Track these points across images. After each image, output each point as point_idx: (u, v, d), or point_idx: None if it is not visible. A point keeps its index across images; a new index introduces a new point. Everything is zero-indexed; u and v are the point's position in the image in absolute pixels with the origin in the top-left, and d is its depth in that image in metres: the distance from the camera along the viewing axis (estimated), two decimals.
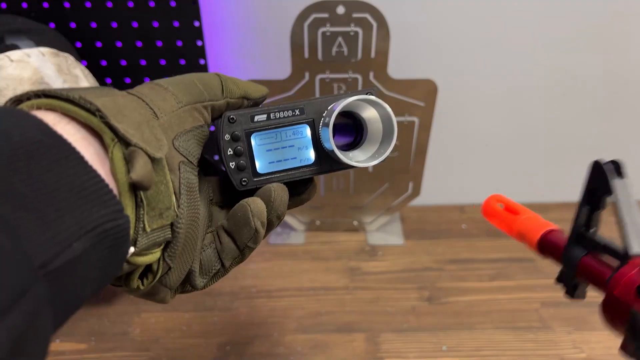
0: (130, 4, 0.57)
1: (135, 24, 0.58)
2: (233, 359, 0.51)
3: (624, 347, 0.27)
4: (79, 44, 0.59)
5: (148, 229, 0.24)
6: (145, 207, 0.24)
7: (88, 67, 0.58)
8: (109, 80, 0.62)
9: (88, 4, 0.57)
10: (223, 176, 0.32)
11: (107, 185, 0.21)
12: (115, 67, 0.61)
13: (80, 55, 0.58)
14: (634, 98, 0.68)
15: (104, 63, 0.61)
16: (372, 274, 0.63)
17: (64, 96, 0.23)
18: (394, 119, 0.30)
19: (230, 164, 0.30)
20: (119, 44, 0.59)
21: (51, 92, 0.23)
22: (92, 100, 0.23)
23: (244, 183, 0.31)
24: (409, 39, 0.63)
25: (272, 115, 0.31)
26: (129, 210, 0.23)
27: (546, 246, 0.36)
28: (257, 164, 0.31)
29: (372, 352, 0.52)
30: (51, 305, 0.19)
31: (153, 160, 0.24)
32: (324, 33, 0.56)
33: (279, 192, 0.30)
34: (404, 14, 0.61)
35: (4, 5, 0.56)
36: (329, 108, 0.31)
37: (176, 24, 0.58)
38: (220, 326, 0.55)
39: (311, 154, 0.32)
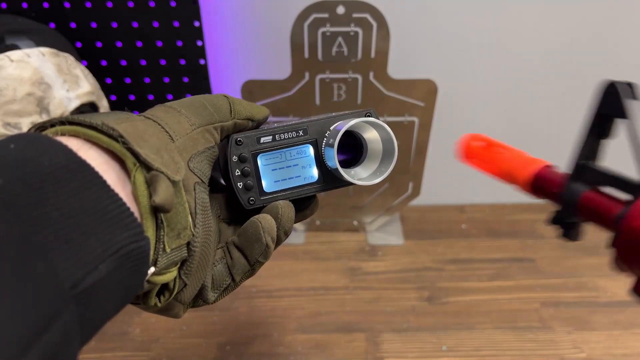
0: (131, 4, 0.57)
1: (135, 24, 0.58)
2: (233, 358, 0.51)
3: (638, 290, 0.25)
4: (79, 44, 0.59)
5: (168, 249, 0.25)
6: (165, 228, 0.25)
7: (88, 67, 0.58)
8: (108, 80, 0.62)
9: (88, 4, 0.57)
10: (229, 193, 0.33)
11: (128, 209, 0.22)
12: (115, 67, 0.61)
13: (80, 55, 0.58)
14: None
15: (104, 63, 0.61)
16: (372, 274, 0.63)
17: (86, 123, 0.24)
18: (394, 140, 0.31)
19: (238, 184, 0.31)
20: (119, 44, 0.59)
21: (74, 120, 0.24)
22: (114, 126, 0.24)
23: (251, 202, 0.32)
24: (409, 39, 0.63)
25: (277, 137, 0.32)
26: (150, 232, 0.24)
27: (541, 183, 0.32)
28: (264, 183, 0.32)
29: (372, 352, 0.52)
30: (79, 326, 0.20)
31: (173, 182, 0.25)
32: (324, 33, 0.56)
33: (286, 209, 0.31)
34: (404, 14, 0.61)
35: (4, 5, 0.56)
36: (331, 128, 0.32)
37: (176, 24, 0.58)
38: (220, 326, 0.55)
39: (314, 172, 0.33)
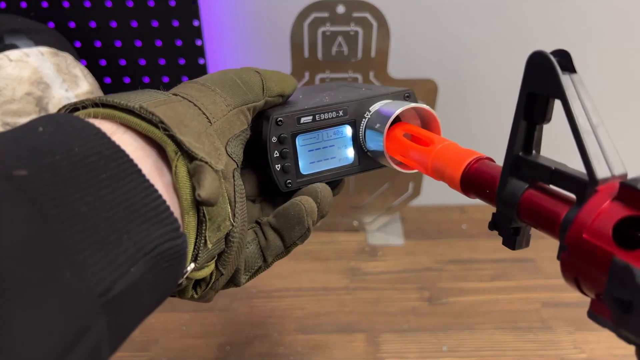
0: (130, 4, 0.56)
1: (134, 24, 0.58)
2: (233, 359, 0.51)
3: (597, 310, 0.20)
4: (78, 44, 0.59)
5: (209, 245, 0.23)
6: (207, 222, 0.23)
7: (87, 66, 0.58)
8: (108, 80, 0.62)
9: (87, 4, 0.57)
10: (254, 169, 0.32)
11: (164, 202, 0.20)
12: (114, 67, 0.61)
13: (80, 55, 0.58)
14: (633, 99, 0.68)
15: (103, 63, 0.61)
16: (372, 274, 0.63)
17: (122, 106, 0.22)
18: (439, 121, 0.31)
19: (276, 166, 0.30)
20: (118, 44, 0.59)
21: (108, 101, 0.22)
22: (153, 110, 0.22)
23: (288, 185, 0.31)
24: (409, 38, 0.63)
25: (317, 117, 0.31)
26: (191, 227, 0.22)
27: (472, 181, 0.26)
28: (300, 165, 0.31)
29: (372, 353, 0.52)
30: (109, 336, 0.18)
31: (215, 172, 0.23)
32: (324, 32, 0.55)
33: (325, 192, 0.30)
34: (404, 14, 0.61)
35: (3, 5, 0.56)
36: (371, 109, 0.31)
37: (175, 23, 0.58)
38: (220, 326, 0.55)
39: (350, 153, 0.32)
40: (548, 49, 0.22)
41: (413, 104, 0.30)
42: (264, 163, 0.31)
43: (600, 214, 0.19)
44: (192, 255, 0.23)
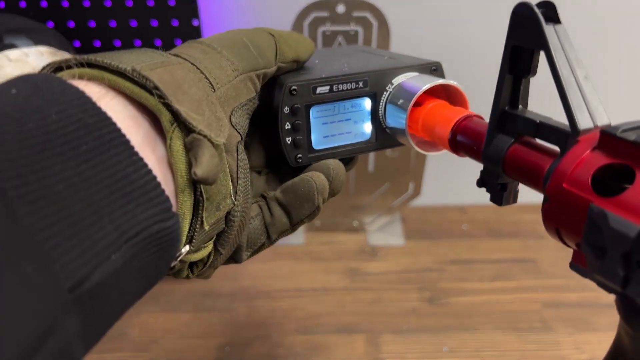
0: (129, 3, 0.56)
1: (134, 23, 0.58)
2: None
3: (577, 261, 0.21)
4: (77, 43, 0.59)
5: (206, 227, 0.21)
6: (204, 202, 0.21)
7: None
8: None
9: (87, 3, 0.57)
10: (261, 139, 0.30)
11: (154, 178, 0.18)
12: None
13: (79, 55, 0.58)
14: (634, 95, 0.67)
15: None
16: (373, 274, 0.63)
17: (113, 67, 0.19)
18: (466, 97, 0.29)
19: (287, 139, 0.28)
20: (117, 43, 0.59)
21: (97, 61, 0.19)
22: (147, 74, 0.19)
23: (299, 160, 0.28)
24: (409, 38, 0.63)
25: (334, 87, 0.28)
26: (186, 207, 0.20)
27: (460, 139, 0.26)
28: (313, 139, 0.29)
29: (372, 353, 0.51)
30: (84, 331, 0.16)
31: (216, 147, 0.21)
32: (324, 32, 0.55)
33: (337, 170, 0.28)
34: (404, 13, 0.61)
35: (2, 5, 0.56)
36: (393, 82, 0.29)
37: (175, 23, 0.57)
38: (220, 327, 0.55)
39: (367, 128, 0.30)
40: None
41: (440, 81, 0.28)
42: (274, 134, 0.28)
43: (580, 163, 0.19)
44: (187, 237, 0.21)
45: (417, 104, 0.29)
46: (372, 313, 0.57)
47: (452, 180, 0.74)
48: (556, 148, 0.22)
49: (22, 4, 0.56)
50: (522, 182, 0.24)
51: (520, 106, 0.24)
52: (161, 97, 0.19)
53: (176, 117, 0.20)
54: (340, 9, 0.54)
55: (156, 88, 0.19)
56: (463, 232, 0.70)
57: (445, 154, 0.72)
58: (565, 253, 0.65)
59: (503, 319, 0.55)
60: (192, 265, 0.24)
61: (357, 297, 0.59)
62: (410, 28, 0.62)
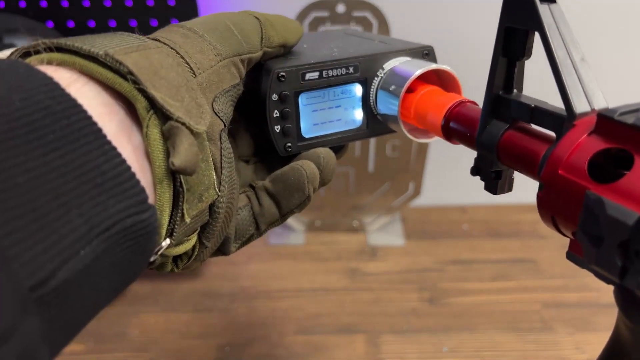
0: (129, 3, 0.56)
1: (133, 23, 0.58)
2: None
3: (574, 250, 0.19)
4: None
5: (188, 219, 0.20)
6: (185, 193, 0.20)
7: None
8: None
9: (86, 3, 0.56)
10: (248, 127, 0.29)
11: (129, 169, 0.17)
12: None
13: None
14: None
15: None
16: (373, 274, 0.62)
17: (84, 51, 0.18)
18: (459, 82, 0.28)
19: (276, 127, 0.27)
20: None
21: (67, 45, 0.18)
22: (121, 58, 0.18)
23: (288, 149, 0.28)
24: (409, 38, 0.63)
25: (324, 73, 0.27)
26: (165, 199, 0.19)
27: (453, 126, 0.25)
28: (302, 127, 0.28)
29: (372, 354, 0.51)
30: (48, 334, 0.15)
31: (196, 135, 0.20)
32: None
33: (328, 159, 0.27)
34: (404, 13, 0.61)
35: (1, 4, 0.56)
36: (385, 67, 0.28)
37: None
38: (220, 327, 0.55)
39: (357, 115, 0.29)
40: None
41: (433, 65, 0.27)
42: (261, 123, 0.27)
43: (576, 148, 0.19)
44: (167, 230, 0.20)
45: (410, 90, 0.28)
46: (372, 313, 0.56)
47: (452, 180, 0.74)
48: (552, 133, 0.21)
49: (22, 4, 0.56)
50: (516, 170, 0.23)
51: (514, 90, 0.23)
52: (136, 82, 0.18)
53: (152, 103, 0.19)
54: (340, 8, 0.54)
55: (130, 73, 0.18)
56: (463, 232, 0.70)
57: (446, 154, 0.72)
58: (565, 253, 0.65)
59: (503, 319, 0.55)
60: (177, 258, 0.23)
61: (357, 297, 0.59)
62: (410, 28, 0.62)
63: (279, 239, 0.68)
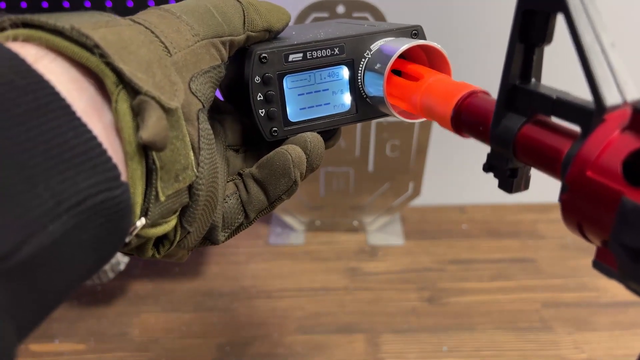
0: (130, 4, 0.56)
1: None
2: (232, 359, 0.51)
3: (602, 259, 0.17)
4: None
5: (162, 198, 0.20)
6: (158, 170, 0.19)
7: None
8: None
9: (87, 4, 0.57)
10: (237, 115, 0.29)
11: (99, 145, 0.16)
12: None
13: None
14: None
15: None
16: (373, 274, 0.63)
17: (49, 26, 0.18)
18: (448, 62, 0.27)
19: (260, 111, 0.27)
20: None
21: (33, 21, 0.18)
22: (88, 32, 0.18)
23: (274, 134, 0.27)
24: None
25: (308, 54, 0.27)
26: (137, 177, 0.19)
27: (464, 119, 0.23)
28: (288, 111, 0.27)
29: (372, 353, 0.52)
30: (13, 310, 0.15)
31: (167, 111, 0.20)
32: None
33: (315, 143, 0.27)
34: (404, 13, 0.61)
35: (3, 5, 0.56)
36: (372, 47, 0.28)
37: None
38: (220, 327, 0.55)
39: (346, 99, 0.29)
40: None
41: (420, 41, 0.27)
42: (247, 108, 0.27)
43: (607, 146, 0.16)
44: (142, 209, 0.20)
45: (399, 71, 0.28)
46: (371, 313, 0.57)
47: (451, 180, 0.74)
48: (576, 128, 0.18)
49: (23, 5, 0.56)
50: (535, 168, 0.21)
51: (533, 80, 0.20)
52: (103, 56, 0.18)
53: (121, 78, 0.18)
54: (340, 9, 0.54)
55: (97, 46, 0.18)
56: (462, 232, 0.70)
57: (445, 154, 0.72)
58: (564, 253, 0.65)
59: (502, 319, 0.56)
60: (158, 244, 0.23)
61: (357, 297, 0.59)
62: None
63: (279, 239, 0.68)
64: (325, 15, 0.54)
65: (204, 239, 0.26)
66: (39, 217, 0.15)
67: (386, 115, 0.29)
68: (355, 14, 0.54)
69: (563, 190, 0.18)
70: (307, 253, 0.66)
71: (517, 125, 0.20)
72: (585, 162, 0.17)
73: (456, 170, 0.73)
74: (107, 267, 0.53)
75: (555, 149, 0.19)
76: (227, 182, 0.27)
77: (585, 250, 0.64)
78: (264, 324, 0.55)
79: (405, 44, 0.26)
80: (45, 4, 0.57)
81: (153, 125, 0.18)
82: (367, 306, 0.58)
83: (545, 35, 0.19)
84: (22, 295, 0.15)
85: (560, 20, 0.18)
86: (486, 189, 0.74)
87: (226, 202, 0.26)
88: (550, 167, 0.19)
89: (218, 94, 0.29)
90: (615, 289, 0.59)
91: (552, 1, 0.18)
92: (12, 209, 0.14)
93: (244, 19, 0.25)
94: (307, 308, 0.57)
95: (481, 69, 0.65)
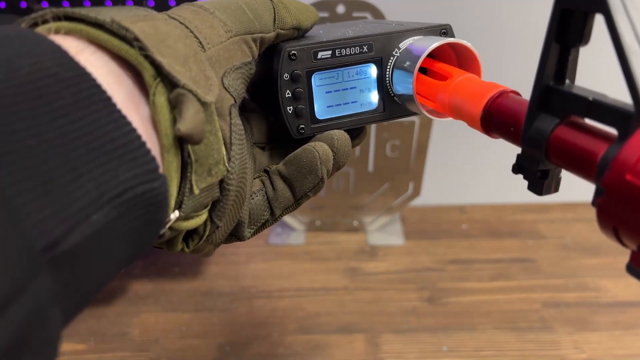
0: (130, 3, 0.56)
1: None
2: (233, 359, 0.51)
3: (637, 263, 0.17)
4: None
5: (196, 191, 0.20)
6: (193, 164, 0.20)
7: None
8: None
9: (87, 3, 0.57)
10: (264, 113, 0.29)
11: (139, 137, 0.17)
12: None
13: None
14: None
15: None
16: (372, 274, 0.63)
17: (91, 19, 0.18)
18: (479, 61, 0.27)
19: (288, 108, 0.27)
20: None
21: (74, 14, 0.18)
22: (128, 25, 0.18)
23: (301, 131, 0.27)
24: None
25: (337, 52, 0.27)
26: (173, 168, 0.19)
27: (494, 119, 0.23)
28: (316, 108, 0.28)
29: (372, 353, 0.52)
30: (60, 297, 0.15)
31: (203, 105, 0.20)
32: None
33: (342, 141, 0.27)
34: (404, 14, 0.61)
35: (2, 5, 0.56)
36: (400, 46, 0.28)
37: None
38: (220, 327, 0.55)
39: (373, 97, 0.29)
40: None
41: (449, 40, 0.27)
42: (275, 105, 0.27)
43: None
44: (176, 202, 0.20)
45: (427, 70, 0.28)
46: (371, 313, 0.57)
47: (451, 180, 0.74)
48: (613, 131, 0.18)
49: (23, 5, 0.56)
50: (568, 170, 0.20)
51: (567, 81, 0.20)
52: (142, 49, 0.18)
53: (159, 71, 0.18)
54: (340, 9, 0.54)
55: (136, 39, 0.18)
56: (462, 232, 0.70)
57: (446, 155, 0.72)
58: (565, 253, 0.65)
59: (502, 319, 0.56)
60: (188, 238, 0.23)
61: (357, 297, 0.59)
62: None
63: (279, 238, 0.68)
64: (325, 15, 0.54)
65: (231, 234, 0.26)
66: (84, 207, 0.15)
67: (414, 114, 0.29)
68: (355, 14, 0.54)
69: (598, 194, 0.17)
70: (307, 253, 0.66)
71: (550, 126, 0.20)
72: (625, 165, 0.16)
73: (456, 170, 0.73)
74: None
75: (590, 152, 0.19)
76: (254, 178, 0.27)
77: (585, 251, 0.64)
78: (264, 324, 0.55)
79: (435, 42, 0.26)
80: (45, 4, 0.57)
81: (191, 119, 0.18)
82: (367, 306, 0.58)
83: (582, 36, 0.19)
84: (67, 284, 0.15)
85: (598, 19, 0.18)
86: (486, 189, 0.74)
87: (252, 198, 0.26)
88: (585, 170, 0.19)
89: None
90: (616, 289, 0.59)
91: (591, 1, 0.18)
92: (59, 199, 0.14)
93: (275, 16, 0.25)
94: (307, 308, 0.57)
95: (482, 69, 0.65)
